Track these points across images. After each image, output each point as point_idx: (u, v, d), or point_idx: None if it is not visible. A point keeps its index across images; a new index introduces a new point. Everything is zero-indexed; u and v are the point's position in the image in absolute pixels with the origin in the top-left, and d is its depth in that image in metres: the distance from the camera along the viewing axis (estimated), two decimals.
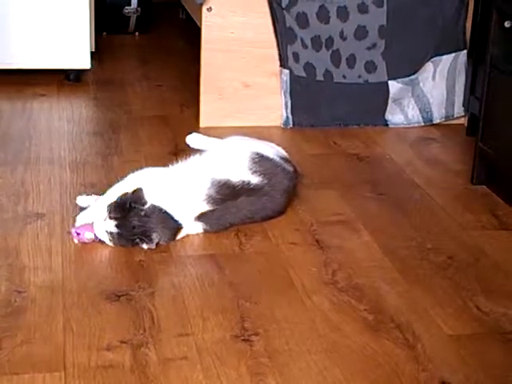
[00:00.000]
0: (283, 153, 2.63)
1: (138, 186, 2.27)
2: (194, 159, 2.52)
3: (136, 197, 2.24)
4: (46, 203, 2.53)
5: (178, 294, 2.10)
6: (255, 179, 2.43)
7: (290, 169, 2.55)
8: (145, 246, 2.24)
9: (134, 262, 2.23)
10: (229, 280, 2.18)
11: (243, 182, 2.40)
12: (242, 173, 2.42)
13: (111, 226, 2.24)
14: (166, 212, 2.28)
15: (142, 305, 2.04)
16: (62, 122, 3.22)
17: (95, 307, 2.03)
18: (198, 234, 2.39)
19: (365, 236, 2.44)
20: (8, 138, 3.03)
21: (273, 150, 2.58)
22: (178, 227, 2.32)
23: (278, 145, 2.69)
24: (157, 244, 2.25)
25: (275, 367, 1.84)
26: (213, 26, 3.17)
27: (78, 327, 1.94)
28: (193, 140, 2.66)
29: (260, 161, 2.47)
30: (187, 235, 2.37)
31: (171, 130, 3.19)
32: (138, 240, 2.24)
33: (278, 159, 2.54)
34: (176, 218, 2.30)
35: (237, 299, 2.09)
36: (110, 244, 2.27)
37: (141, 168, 2.49)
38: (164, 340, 1.91)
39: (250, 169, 2.44)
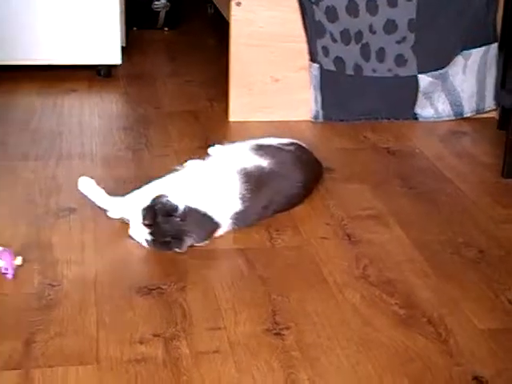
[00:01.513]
0: (298, 143, 2.64)
1: (160, 195, 2.25)
2: (222, 155, 2.53)
3: (164, 208, 2.22)
4: (78, 198, 2.54)
5: (210, 288, 2.11)
6: (265, 162, 2.43)
7: (299, 153, 2.56)
8: (177, 250, 2.23)
9: (165, 257, 2.24)
10: (260, 274, 2.18)
11: (259, 167, 2.41)
12: (254, 160, 2.44)
13: (145, 232, 2.24)
14: (202, 213, 2.27)
15: (174, 299, 2.05)
16: (92, 117, 3.24)
17: (127, 301, 2.04)
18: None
19: (396, 230, 2.43)
20: (40, 134, 3.05)
21: (280, 141, 2.60)
22: (214, 227, 2.31)
23: (308, 139, 2.70)
24: (190, 246, 2.25)
25: (306, 361, 1.84)
26: (242, 21, 3.17)
27: (111, 321, 1.96)
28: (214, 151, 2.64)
29: (263, 147, 2.52)
30: None
31: (201, 124, 3.20)
32: (170, 245, 2.23)
33: (282, 146, 2.55)
34: (213, 217, 2.30)
35: (268, 293, 2.09)
36: (147, 247, 2.27)
37: (172, 164, 2.50)
38: (196, 333, 1.92)
39: (259, 155, 2.45)
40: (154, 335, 1.91)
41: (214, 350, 1.87)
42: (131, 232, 2.28)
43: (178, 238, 2.21)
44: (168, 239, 2.21)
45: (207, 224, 2.28)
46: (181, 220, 2.22)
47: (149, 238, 2.24)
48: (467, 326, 1.98)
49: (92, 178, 2.44)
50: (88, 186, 2.42)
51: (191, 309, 2.02)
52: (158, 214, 2.21)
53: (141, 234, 2.25)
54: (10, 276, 2.11)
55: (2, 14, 3.48)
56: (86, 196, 2.42)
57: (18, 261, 2.15)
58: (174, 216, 2.21)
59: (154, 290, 2.09)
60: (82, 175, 2.47)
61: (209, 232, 2.29)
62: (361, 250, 2.32)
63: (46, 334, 1.90)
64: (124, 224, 2.39)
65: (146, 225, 2.23)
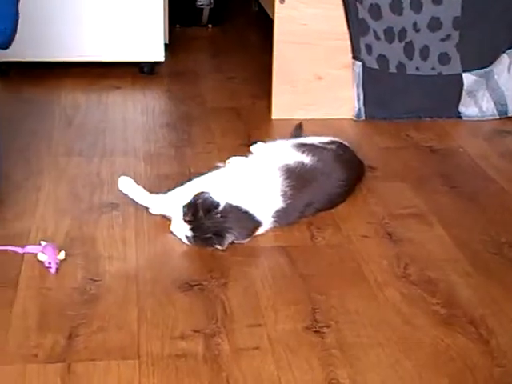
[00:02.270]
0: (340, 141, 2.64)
1: (201, 191, 2.26)
2: (264, 153, 2.54)
3: (205, 204, 2.23)
4: (121, 194, 2.56)
5: (250, 284, 2.12)
6: (307, 160, 2.44)
7: (340, 151, 2.57)
8: (218, 247, 2.24)
9: (206, 253, 2.25)
10: (300, 272, 2.18)
11: (301, 165, 2.41)
12: (296, 158, 2.44)
13: (186, 228, 2.25)
14: (243, 210, 2.27)
15: (215, 295, 2.07)
16: (136, 113, 3.26)
17: (168, 297, 2.05)
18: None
19: (437, 229, 2.42)
20: (84, 130, 3.08)
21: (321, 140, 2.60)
22: (256, 225, 2.32)
23: (350, 137, 2.69)
24: (231, 243, 2.25)
25: (346, 359, 1.84)
26: (285, 18, 3.17)
27: (152, 316, 1.97)
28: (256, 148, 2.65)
29: (305, 145, 2.53)
30: None
31: (243, 121, 3.21)
32: (211, 241, 2.24)
33: (324, 144, 2.56)
34: (255, 215, 2.30)
35: (308, 291, 2.09)
36: (188, 243, 2.28)
37: (215, 161, 2.51)
38: (236, 330, 1.93)
39: (301, 153, 2.45)
40: (195, 331, 1.92)
41: (254, 347, 1.88)
42: (172, 228, 2.30)
43: (219, 234, 2.22)
44: (209, 235, 2.22)
45: (248, 221, 2.29)
46: (222, 217, 2.23)
47: (190, 234, 2.25)
48: (509, 327, 1.97)
49: (134, 174, 2.47)
50: (128, 185, 2.44)
51: (232, 305, 2.03)
52: (200, 211, 2.22)
53: (182, 230, 2.26)
54: (53, 270, 2.13)
55: (47, 12, 3.52)
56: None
57: (61, 255, 2.18)
58: (215, 212, 2.22)
59: (195, 285, 2.10)
60: (125, 171, 2.49)
61: (250, 230, 2.30)
62: (402, 248, 2.31)
63: (88, 328, 1.92)
64: (165, 220, 2.41)
65: (186, 221, 2.24)
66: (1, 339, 1.88)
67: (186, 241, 2.26)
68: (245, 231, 2.28)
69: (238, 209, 2.26)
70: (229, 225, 2.23)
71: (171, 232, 2.31)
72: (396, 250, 2.30)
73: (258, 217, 2.30)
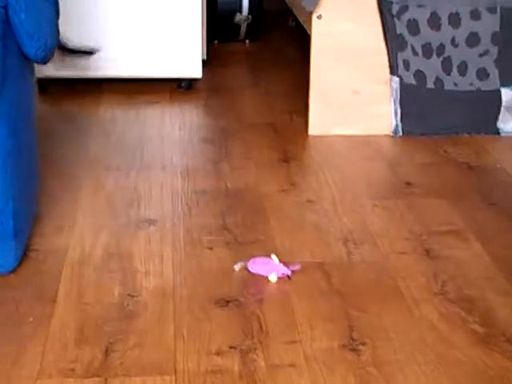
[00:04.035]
0: None
1: None
2: None
3: None
4: (158, 209, 2.59)
5: (286, 301, 2.12)
6: None
7: None
8: None
9: (243, 269, 2.25)
10: (337, 288, 2.18)
11: None
12: None
13: None
14: None
15: (251, 311, 2.07)
16: (173, 128, 3.28)
17: (205, 313, 2.06)
18: (306, 242, 2.40)
19: (476, 246, 2.40)
20: (122, 145, 3.10)
21: None
22: None
23: (387, 153, 2.68)
24: None
25: (383, 377, 1.83)
26: (322, 34, 3.18)
27: (188, 332, 1.98)
28: None
29: None
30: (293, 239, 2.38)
31: (280, 137, 3.21)
32: None
33: None
34: None
35: (345, 308, 2.09)
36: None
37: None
38: (272, 346, 1.93)
39: None
40: (231, 347, 1.92)
41: (290, 364, 1.87)
42: None
43: None
44: None
45: None
46: None
47: None
48: None
49: (171, 189, 2.47)
50: None
51: (268, 322, 2.03)
52: None
53: None
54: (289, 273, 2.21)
55: (86, 28, 3.55)
56: (165, 207, 2.45)
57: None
58: None
59: (231, 301, 2.11)
60: (162, 186, 2.49)
61: None
62: (439, 265, 2.30)
63: (125, 343, 1.93)
64: (202, 235, 2.42)
65: None
66: (39, 353, 1.89)
67: None
68: None
69: None
70: None
71: (209, 248, 2.32)
72: (433, 267, 2.29)
73: None
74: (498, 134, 3.27)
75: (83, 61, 3.58)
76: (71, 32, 3.50)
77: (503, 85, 3.24)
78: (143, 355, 1.89)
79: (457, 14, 3.17)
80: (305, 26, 3.78)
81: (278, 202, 2.66)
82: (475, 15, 3.18)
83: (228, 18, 4.43)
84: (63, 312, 2.05)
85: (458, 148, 3.13)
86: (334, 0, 3.13)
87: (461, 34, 3.20)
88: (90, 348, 1.91)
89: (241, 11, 4.42)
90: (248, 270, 2.24)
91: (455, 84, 3.24)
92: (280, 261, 2.24)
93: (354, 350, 1.93)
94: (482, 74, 3.24)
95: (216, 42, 4.47)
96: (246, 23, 4.46)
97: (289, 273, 2.21)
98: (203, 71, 3.71)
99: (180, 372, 1.84)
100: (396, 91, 3.22)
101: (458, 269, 2.28)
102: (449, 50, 3.21)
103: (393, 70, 3.21)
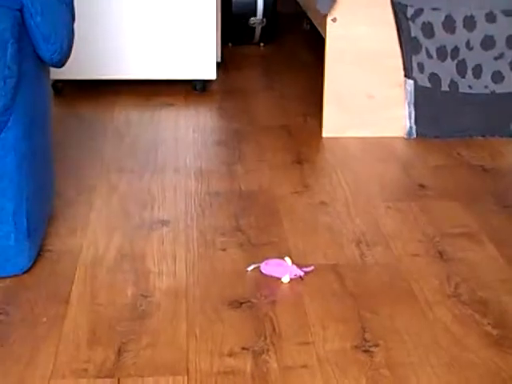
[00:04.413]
0: None
1: None
2: None
3: None
4: (171, 211, 2.59)
5: (299, 302, 2.12)
6: None
7: None
8: None
9: (255, 270, 2.26)
10: (350, 290, 2.18)
11: None
12: None
13: None
14: None
15: (264, 312, 2.07)
16: (187, 130, 3.29)
17: (218, 314, 2.06)
18: (319, 244, 2.40)
19: (489, 249, 2.40)
20: (136, 147, 3.11)
21: None
22: None
23: (401, 156, 2.68)
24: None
25: (396, 379, 1.83)
26: (337, 37, 3.18)
27: (201, 333, 1.98)
28: None
29: None
30: (307, 244, 2.38)
31: (294, 139, 3.21)
32: None
33: None
34: None
35: (358, 309, 2.09)
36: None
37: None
38: (285, 348, 1.93)
39: None
40: (243, 348, 1.92)
41: (302, 365, 1.87)
42: None
43: None
44: None
45: None
46: None
47: None
48: None
49: (185, 191, 2.48)
50: None
51: (280, 323, 2.03)
52: None
53: None
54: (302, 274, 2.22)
55: (101, 31, 3.57)
56: (178, 209, 2.46)
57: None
58: None
59: (244, 303, 2.11)
60: (176, 188, 2.50)
61: None
62: (453, 268, 2.29)
63: (137, 343, 1.94)
64: (215, 237, 2.42)
65: None
66: (52, 354, 1.90)
67: None
68: None
69: None
70: None
71: (222, 249, 2.32)
72: (447, 269, 2.28)
73: None
74: None
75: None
76: (85, 34, 3.52)
77: None
78: (156, 355, 1.90)
79: (472, 17, 3.17)
80: (319, 29, 3.78)
81: (292, 204, 2.66)
82: (490, 18, 3.17)
83: (242, 21, 4.44)
84: (76, 313, 2.06)
85: (472, 151, 3.12)
86: (348, 3, 3.14)
87: (476, 37, 3.19)
88: (102, 348, 1.92)
89: (255, 14, 4.43)
90: (261, 272, 2.25)
91: (470, 87, 3.23)
92: (293, 262, 2.24)
93: (366, 351, 1.92)
94: (497, 76, 3.23)
95: (230, 44, 4.48)
96: (260, 26, 4.47)
97: (301, 274, 2.21)
98: (217, 73, 3.72)
99: (192, 372, 1.84)
100: (410, 94, 3.22)
101: (471, 271, 2.27)
102: (463, 52, 3.20)
103: (407, 72, 3.21)
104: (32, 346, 1.93)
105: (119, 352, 1.91)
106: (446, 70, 3.21)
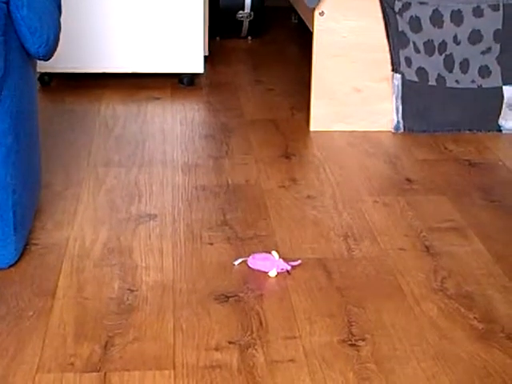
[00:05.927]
0: None
1: None
2: None
3: None
4: (159, 204, 2.59)
5: (286, 296, 2.12)
6: None
7: None
8: None
9: (242, 264, 2.26)
10: (337, 284, 2.18)
11: None
12: None
13: None
14: None
15: (251, 306, 2.07)
16: (175, 124, 3.28)
17: (204, 308, 2.06)
18: (306, 238, 2.40)
19: (476, 243, 2.40)
20: (123, 140, 3.10)
21: None
22: None
23: (388, 150, 2.68)
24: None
25: (382, 373, 1.83)
26: (325, 30, 3.17)
27: (188, 327, 1.98)
28: None
29: None
30: (295, 240, 2.38)
31: (281, 133, 3.21)
32: None
33: None
34: None
35: (344, 304, 2.09)
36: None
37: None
38: (271, 342, 1.93)
39: None
40: (230, 342, 1.92)
41: (289, 359, 1.87)
42: None
43: None
44: None
45: None
46: None
47: None
48: None
49: (172, 185, 2.48)
50: None
51: (267, 317, 2.03)
52: None
53: None
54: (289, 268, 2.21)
55: (88, 23, 3.56)
56: (165, 203, 2.45)
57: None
58: None
59: (231, 297, 2.11)
60: (163, 182, 2.50)
61: None
62: (439, 262, 2.30)
63: (124, 338, 1.93)
64: (203, 231, 2.42)
65: None
66: (38, 348, 1.90)
67: None
68: None
69: None
70: None
71: (209, 243, 2.32)
72: (433, 263, 2.29)
73: None
74: (500, 131, 3.27)
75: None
76: (71, 27, 3.51)
77: (505, 82, 3.24)
78: (142, 350, 1.89)
79: (459, 11, 3.17)
80: (307, 22, 3.78)
81: (279, 198, 2.66)
82: (477, 12, 3.17)
83: (230, 15, 4.43)
84: (63, 306, 2.05)
85: (460, 145, 3.13)
86: None
87: (463, 32, 3.19)
88: (89, 342, 1.92)
89: (243, 8, 4.42)
90: (248, 266, 2.24)
91: (457, 81, 3.23)
92: (280, 256, 2.24)
93: (353, 345, 1.93)
94: (484, 71, 3.23)
95: (218, 38, 4.47)
96: (248, 20, 4.46)
97: (288, 268, 2.21)
98: (205, 67, 3.71)
99: (179, 366, 1.84)
100: (398, 88, 3.22)
101: (457, 265, 2.28)
102: (451, 47, 3.20)
103: (395, 66, 3.21)
104: (18, 339, 1.92)
105: (106, 346, 1.90)
106: (434, 65, 3.21)
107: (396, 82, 3.22)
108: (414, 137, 3.20)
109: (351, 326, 2.00)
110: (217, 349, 1.90)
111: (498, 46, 3.21)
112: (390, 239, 2.41)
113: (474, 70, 3.23)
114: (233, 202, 2.62)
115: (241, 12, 4.42)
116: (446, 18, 3.17)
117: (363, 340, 1.95)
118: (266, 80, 3.84)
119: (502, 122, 3.27)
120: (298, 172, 2.85)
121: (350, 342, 1.94)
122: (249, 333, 1.96)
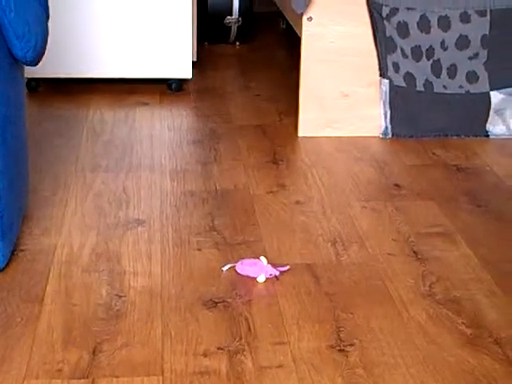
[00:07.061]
0: None
1: None
2: None
3: None
4: (147, 210, 2.58)
5: (274, 302, 2.12)
6: None
7: None
8: None
9: (231, 270, 2.25)
10: (325, 290, 2.18)
11: None
12: None
13: None
14: None
15: (239, 312, 2.07)
16: (163, 130, 3.28)
17: (193, 313, 2.06)
18: (294, 244, 2.40)
19: (463, 248, 2.41)
20: (111, 146, 3.10)
21: None
22: None
23: (376, 155, 2.69)
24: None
25: (370, 378, 1.83)
26: (313, 36, 3.18)
27: (176, 333, 1.98)
28: None
29: None
30: (288, 244, 2.38)
31: (269, 139, 3.21)
32: None
33: None
34: None
35: (333, 309, 2.09)
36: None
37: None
38: (260, 348, 1.93)
39: None
40: (219, 348, 1.92)
41: (278, 365, 1.87)
42: None
43: None
44: None
45: None
46: None
47: None
48: None
49: (160, 190, 2.47)
50: None
51: (256, 323, 2.03)
52: None
53: None
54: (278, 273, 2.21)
55: (76, 29, 3.55)
56: (153, 208, 2.45)
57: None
58: None
59: (219, 303, 2.11)
60: (151, 187, 2.49)
61: None
62: (427, 267, 2.30)
63: (112, 344, 1.93)
64: (191, 237, 2.42)
65: None
66: (26, 354, 1.89)
67: None
68: None
69: None
70: None
71: (197, 249, 2.32)
72: (421, 268, 2.29)
73: None
74: (487, 136, 3.28)
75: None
76: (59, 32, 3.50)
77: (492, 87, 3.25)
78: (131, 356, 1.89)
79: (446, 16, 3.18)
80: (295, 28, 3.78)
81: (267, 204, 2.66)
82: (465, 18, 3.18)
83: (218, 20, 4.43)
84: (51, 313, 2.05)
85: (447, 150, 3.14)
86: (324, 2, 3.14)
87: (450, 37, 3.20)
88: (77, 349, 1.91)
89: (231, 13, 4.42)
90: (236, 272, 2.24)
91: (444, 87, 3.24)
92: (268, 262, 2.24)
93: (341, 350, 1.93)
94: (472, 76, 3.24)
95: (206, 43, 4.47)
96: (236, 25, 4.46)
97: (277, 273, 2.21)
98: (193, 73, 3.71)
99: (167, 373, 1.84)
100: (385, 93, 3.23)
101: (445, 270, 2.28)
102: (438, 52, 3.21)
103: (382, 72, 3.22)
104: (6, 346, 1.92)
105: (94, 352, 1.90)
106: (421, 70, 3.22)
107: (384, 88, 3.22)
108: (402, 142, 3.21)
109: (340, 331, 2.00)
110: (205, 355, 1.90)
111: (486, 51, 3.22)
112: (378, 244, 2.42)
113: (461, 76, 3.24)
114: (221, 208, 2.62)
115: (229, 17, 4.43)
116: (434, 23, 3.18)
117: (352, 345, 1.95)
118: (255, 85, 3.84)
119: (489, 127, 3.28)
120: (287, 177, 2.85)
121: (338, 348, 1.94)
122: (237, 339, 1.96)
